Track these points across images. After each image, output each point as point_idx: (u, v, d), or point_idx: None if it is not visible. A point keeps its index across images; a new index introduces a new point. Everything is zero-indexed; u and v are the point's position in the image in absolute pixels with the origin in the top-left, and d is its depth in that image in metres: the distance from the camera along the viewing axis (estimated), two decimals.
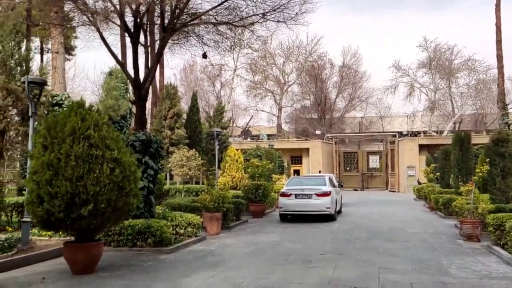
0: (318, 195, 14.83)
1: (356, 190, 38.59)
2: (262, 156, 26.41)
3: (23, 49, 13.37)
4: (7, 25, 11.94)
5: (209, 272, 7.53)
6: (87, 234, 7.47)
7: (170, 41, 11.50)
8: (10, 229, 10.43)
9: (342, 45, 62.92)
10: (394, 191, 36.15)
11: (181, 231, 10.70)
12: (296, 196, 15.03)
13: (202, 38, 11.62)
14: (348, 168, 41.18)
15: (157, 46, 11.96)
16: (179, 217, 10.84)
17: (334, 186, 16.83)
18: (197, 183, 24.68)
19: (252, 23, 11.15)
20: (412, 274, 7.28)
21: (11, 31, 11.98)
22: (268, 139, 44.79)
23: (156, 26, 12.75)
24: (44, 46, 36.19)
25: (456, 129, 42.52)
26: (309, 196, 14.90)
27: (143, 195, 9.92)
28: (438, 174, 20.65)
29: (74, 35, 35.04)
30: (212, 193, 12.24)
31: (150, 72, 10.58)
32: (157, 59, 10.76)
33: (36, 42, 34.20)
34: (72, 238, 7.89)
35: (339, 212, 17.30)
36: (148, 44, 11.59)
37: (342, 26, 74.44)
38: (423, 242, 10.67)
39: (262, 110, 52.99)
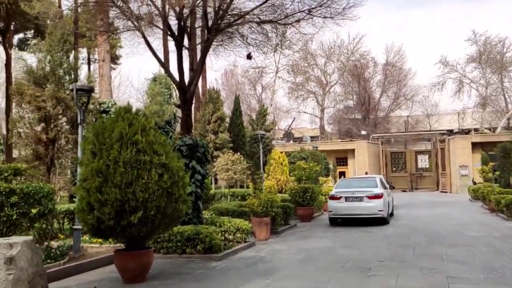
0: (369, 197, 14.18)
1: (404, 191, 37.21)
2: (307, 158, 25.90)
3: (71, 58, 13.62)
4: (55, 34, 12.18)
5: (262, 281, 7.17)
6: (137, 242, 7.31)
7: (214, 42, 11.29)
8: (62, 236, 10.52)
9: (385, 43, 61.23)
10: (446, 192, 34.51)
11: (230, 237, 10.44)
12: (347, 199, 14.44)
13: (247, 38, 11.34)
14: (394, 169, 39.79)
15: (199, 49, 11.80)
16: (228, 223, 10.58)
17: (385, 187, 16.09)
18: (241, 187, 24.49)
19: (298, 21, 10.74)
20: (486, 284, 6.59)
21: (59, 41, 12.21)
22: (311, 141, 44.14)
23: (199, 29, 12.62)
24: (91, 56, 37.41)
25: (511, 125, 40.15)
26: (360, 199, 14.28)
27: (191, 200, 9.72)
28: (497, 173, 19.35)
29: (119, 44, 36.01)
30: (260, 197, 11.91)
31: (195, 75, 10.41)
32: (202, 61, 10.56)
33: (83, 53, 35.45)
34: (122, 245, 7.78)
35: (391, 215, 16.52)
36: (192, 47, 11.43)
37: (385, 23, 72.52)
38: (490, 247, 9.84)
39: (304, 112, 52.36)
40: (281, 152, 24.26)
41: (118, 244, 8.68)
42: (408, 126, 49.91)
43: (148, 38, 10.96)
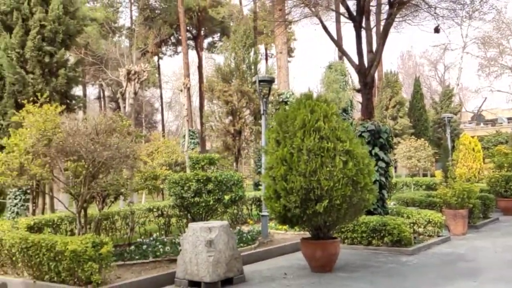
0: None
1: None
2: (506, 142, 22.48)
3: (251, 54, 14.39)
4: (239, 32, 13.02)
5: (468, 282, 6.23)
6: (323, 231, 7.16)
7: (396, 19, 10.39)
8: (251, 222, 11.15)
9: None
10: None
11: (420, 229, 9.56)
12: None
13: (435, 9, 10.10)
14: None
15: (374, 31, 11.01)
16: (417, 214, 9.70)
17: None
18: (424, 175, 22.72)
19: None
20: None
21: (242, 37, 13.02)
22: (508, 122, 38.38)
23: (373, 8, 11.83)
24: (267, 52, 39.73)
25: None
26: None
27: (376, 189, 9.16)
28: None
29: (293, 37, 37.23)
30: (454, 187, 10.60)
31: (375, 56, 9.75)
32: (383, 40, 9.82)
33: (261, 50, 37.90)
34: (306, 233, 7.74)
35: None
36: (369, 27, 10.75)
37: None
38: None
39: (498, 90, 45.69)
40: (472, 137, 21.56)
41: (301, 232, 8.71)
42: None
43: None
